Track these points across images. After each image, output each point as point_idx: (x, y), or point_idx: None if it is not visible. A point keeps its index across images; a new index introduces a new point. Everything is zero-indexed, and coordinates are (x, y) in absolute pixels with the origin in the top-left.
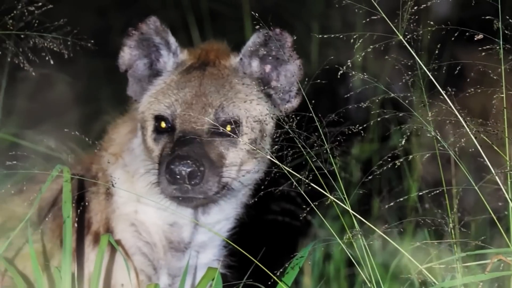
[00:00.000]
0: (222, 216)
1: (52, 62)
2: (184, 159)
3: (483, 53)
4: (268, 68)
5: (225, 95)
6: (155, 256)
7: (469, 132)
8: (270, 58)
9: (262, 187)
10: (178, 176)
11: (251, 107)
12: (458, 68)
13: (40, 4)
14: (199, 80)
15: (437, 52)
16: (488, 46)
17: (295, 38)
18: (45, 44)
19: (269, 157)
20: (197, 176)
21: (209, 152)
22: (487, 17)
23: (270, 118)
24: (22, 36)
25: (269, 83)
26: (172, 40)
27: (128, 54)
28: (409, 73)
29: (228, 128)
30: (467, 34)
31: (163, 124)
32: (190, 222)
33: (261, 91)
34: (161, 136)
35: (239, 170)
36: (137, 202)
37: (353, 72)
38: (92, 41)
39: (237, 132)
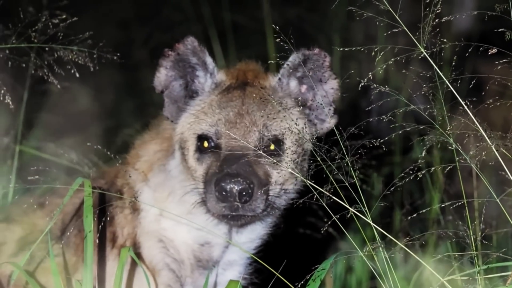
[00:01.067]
0: (254, 235)
1: (77, 75)
2: (234, 177)
3: (499, 66)
4: (304, 88)
5: (267, 114)
6: (183, 273)
7: (491, 145)
8: (307, 78)
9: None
10: (229, 194)
11: (292, 126)
12: (473, 81)
13: (64, 16)
14: (241, 100)
15: (454, 64)
16: (505, 60)
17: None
18: (70, 57)
19: (291, 171)
20: (248, 193)
21: (257, 170)
22: (501, 30)
23: (309, 137)
24: (47, 48)
25: (306, 103)
26: (209, 60)
27: (164, 75)
28: (430, 85)
29: (272, 147)
30: (480, 48)
31: (205, 144)
32: (221, 241)
33: (299, 111)
34: (205, 156)
35: (281, 188)
36: (167, 220)
37: (375, 85)
38: (118, 54)
39: (280, 150)
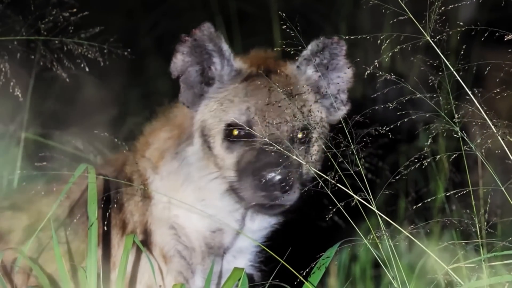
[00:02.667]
0: (266, 223)
1: (87, 69)
2: (276, 166)
3: (510, 55)
4: (317, 76)
5: (295, 103)
6: (194, 260)
7: (496, 133)
8: (322, 65)
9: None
10: (270, 183)
11: (316, 114)
12: (484, 70)
13: (74, 10)
14: (267, 88)
15: (462, 53)
16: None
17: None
18: (80, 51)
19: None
20: (288, 183)
21: (291, 159)
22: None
23: (327, 124)
24: (56, 41)
25: (319, 91)
26: (225, 47)
27: (181, 61)
28: (436, 74)
29: (300, 135)
30: (496, 34)
31: (235, 132)
32: (233, 228)
33: (318, 99)
34: (236, 144)
35: (312, 178)
36: (178, 207)
37: (381, 72)
38: (129, 50)
39: (309, 139)
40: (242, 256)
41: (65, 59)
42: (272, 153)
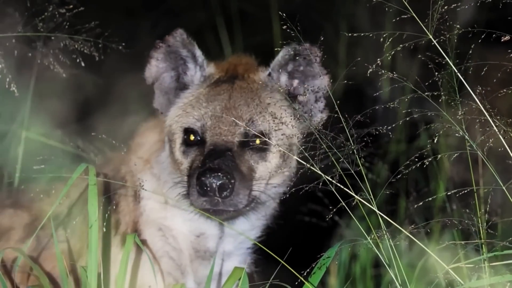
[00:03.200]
0: (247, 227)
1: (83, 64)
2: (215, 172)
3: (511, 55)
4: (295, 82)
5: (254, 109)
6: (183, 261)
7: (497, 132)
8: (298, 72)
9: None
10: (209, 189)
11: (280, 121)
12: (484, 69)
13: (71, 6)
14: (228, 93)
15: (465, 52)
16: None
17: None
18: (76, 46)
19: (295, 157)
20: (228, 188)
21: (240, 165)
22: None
23: (297, 132)
24: (53, 38)
25: (296, 97)
26: (198, 53)
27: (155, 67)
28: (437, 73)
29: (258, 141)
30: (493, 35)
31: (191, 137)
32: (215, 232)
33: (289, 106)
34: (191, 149)
35: (267, 184)
36: (165, 210)
37: (383, 71)
38: (123, 44)
39: (266, 145)
40: (231, 259)
41: (60, 54)
42: (217, 160)
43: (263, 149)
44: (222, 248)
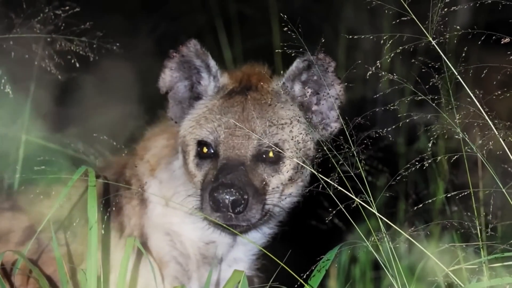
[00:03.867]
0: (259, 235)
1: (77, 65)
2: (228, 187)
3: (511, 57)
4: (309, 92)
5: (268, 121)
6: (190, 267)
7: (497, 135)
8: (311, 82)
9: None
10: (222, 204)
11: (293, 133)
12: (485, 72)
13: (67, 7)
14: (242, 106)
15: (463, 55)
16: None
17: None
18: (71, 48)
19: (310, 168)
20: (241, 204)
21: (253, 179)
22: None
23: (311, 143)
24: (49, 39)
25: (310, 107)
26: (212, 63)
27: (169, 76)
28: (437, 75)
29: (271, 154)
30: (493, 37)
31: (204, 149)
32: (227, 239)
33: (302, 116)
34: (204, 162)
35: (280, 196)
36: (174, 215)
37: (383, 73)
38: (118, 44)
39: (280, 158)
40: (237, 265)
41: (55, 55)
42: (229, 175)
43: (276, 161)
44: (232, 256)
